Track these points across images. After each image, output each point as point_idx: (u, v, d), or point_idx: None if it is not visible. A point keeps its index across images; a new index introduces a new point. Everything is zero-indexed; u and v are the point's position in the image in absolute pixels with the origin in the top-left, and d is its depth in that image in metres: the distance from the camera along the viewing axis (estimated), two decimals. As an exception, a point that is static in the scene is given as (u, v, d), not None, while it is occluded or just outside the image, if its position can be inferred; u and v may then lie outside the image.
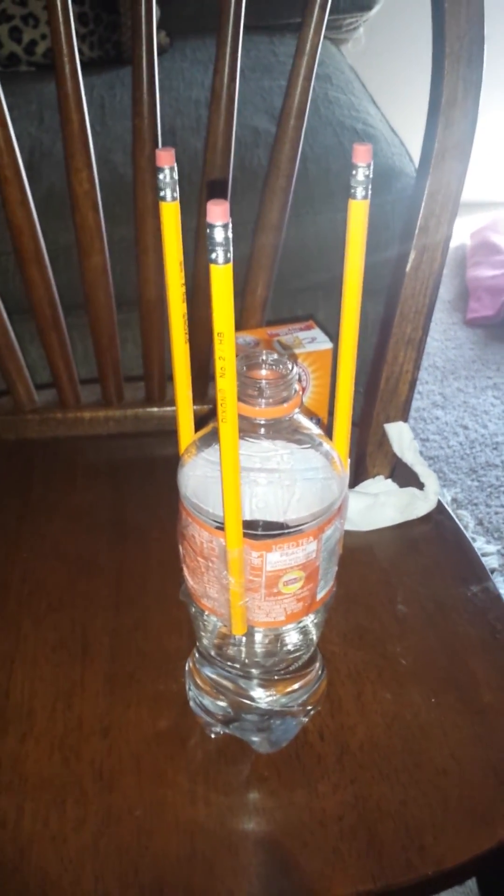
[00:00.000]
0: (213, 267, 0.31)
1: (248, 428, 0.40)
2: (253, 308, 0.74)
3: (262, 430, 0.41)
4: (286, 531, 0.41)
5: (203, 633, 0.49)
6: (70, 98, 0.63)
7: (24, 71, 1.59)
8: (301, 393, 0.40)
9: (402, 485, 0.70)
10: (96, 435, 0.79)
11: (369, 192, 0.36)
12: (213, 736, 0.52)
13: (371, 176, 0.36)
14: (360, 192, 0.36)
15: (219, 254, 0.31)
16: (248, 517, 0.40)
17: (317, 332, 0.70)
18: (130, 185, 0.68)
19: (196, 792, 0.49)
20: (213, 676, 0.51)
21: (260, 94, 1.41)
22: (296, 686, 0.51)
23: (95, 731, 0.53)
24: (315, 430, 0.43)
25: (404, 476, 0.70)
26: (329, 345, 0.69)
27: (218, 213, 0.30)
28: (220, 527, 0.41)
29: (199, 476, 0.43)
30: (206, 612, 0.46)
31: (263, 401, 0.39)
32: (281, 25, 1.73)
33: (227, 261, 0.31)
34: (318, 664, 0.53)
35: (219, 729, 0.52)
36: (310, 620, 0.48)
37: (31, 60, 1.57)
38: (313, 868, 0.46)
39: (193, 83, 1.47)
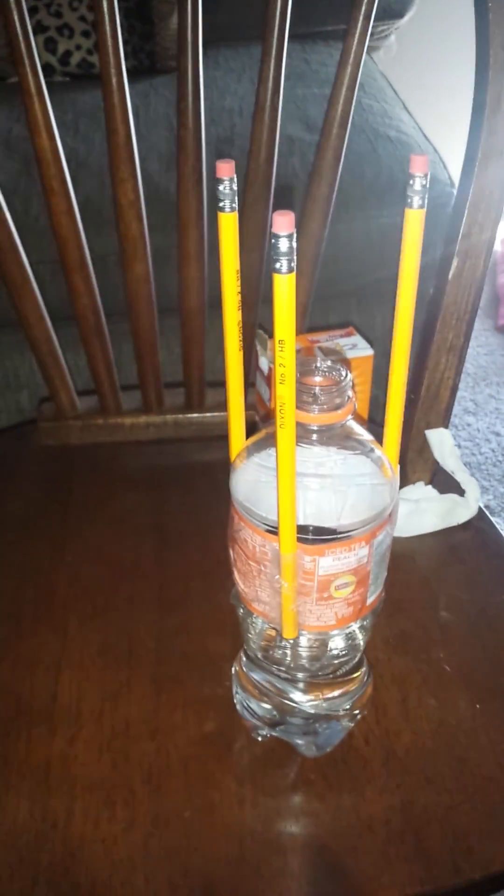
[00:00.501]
0: (276, 276, 0.32)
1: (301, 434, 0.41)
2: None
3: (315, 436, 0.41)
4: (339, 536, 0.41)
5: (251, 636, 0.50)
6: (116, 109, 0.64)
7: (59, 81, 1.61)
8: (354, 399, 0.40)
9: (442, 491, 0.70)
10: (137, 441, 0.80)
11: (426, 201, 0.37)
12: (259, 739, 0.52)
13: (427, 185, 0.37)
14: (416, 201, 0.37)
15: (283, 263, 0.31)
16: (301, 522, 0.41)
17: (357, 339, 0.71)
18: (166, 194, 0.69)
19: (244, 794, 0.50)
20: (260, 680, 0.51)
21: (294, 102, 1.42)
22: (341, 690, 0.52)
23: (143, 734, 0.53)
24: (367, 435, 0.43)
25: (445, 482, 0.71)
26: (370, 351, 0.70)
27: (284, 224, 0.30)
28: (273, 531, 0.41)
29: (251, 481, 0.44)
30: (255, 616, 0.46)
31: (317, 407, 0.40)
32: (312, 33, 1.74)
33: (290, 270, 0.32)
34: (364, 669, 0.53)
35: (265, 732, 0.52)
36: (357, 625, 0.48)
37: (65, 71, 1.59)
38: (361, 871, 0.47)
39: (226, 92, 1.49)
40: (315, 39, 1.74)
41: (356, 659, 0.52)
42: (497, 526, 0.69)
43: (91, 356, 0.75)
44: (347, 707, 0.52)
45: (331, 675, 0.50)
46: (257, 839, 0.48)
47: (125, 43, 1.54)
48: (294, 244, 0.31)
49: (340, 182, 1.24)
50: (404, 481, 0.71)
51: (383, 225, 1.22)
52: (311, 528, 0.42)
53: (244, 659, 0.53)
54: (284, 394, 0.35)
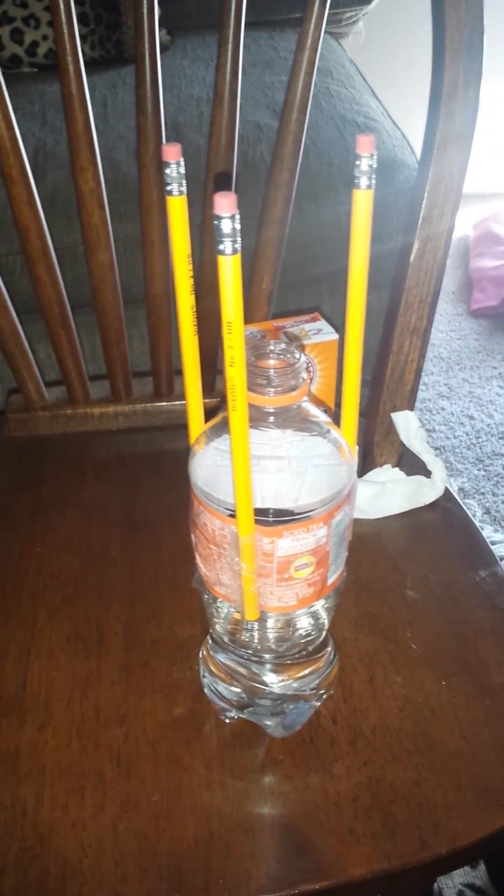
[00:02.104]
0: (220, 258, 0.32)
1: (257, 417, 0.41)
2: (259, 301, 0.75)
3: (272, 419, 0.42)
4: (297, 517, 0.41)
5: (216, 620, 0.50)
6: (74, 98, 0.64)
7: (27, 72, 1.59)
8: (309, 381, 0.41)
9: (409, 473, 0.70)
10: (106, 430, 0.80)
11: (373, 181, 0.37)
12: (227, 721, 0.53)
13: (375, 166, 0.37)
14: (363, 181, 0.37)
15: (226, 245, 0.32)
16: (258, 504, 0.41)
17: (322, 324, 0.71)
18: (134, 182, 0.69)
19: (212, 776, 0.50)
20: (227, 662, 0.52)
21: (261, 90, 1.42)
22: (308, 670, 0.52)
23: (112, 720, 0.54)
24: (323, 417, 0.44)
25: (411, 464, 0.71)
26: (334, 336, 0.70)
27: (225, 205, 0.30)
28: (232, 514, 0.41)
29: (209, 465, 0.44)
30: (219, 599, 0.47)
31: (272, 389, 0.40)
32: (281, 21, 1.74)
33: (234, 251, 0.32)
34: (329, 648, 0.54)
35: (233, 714, 0.52)
36: (321, 605, 0.49)
37: (32, 62, 1.58)
38: (329, 848, 0.47)
39: (195, 80, 1.48)
40: (284, 27, 1.74)
41: (321, 638, 0.52)
42: (463, 506, 0.70)
43: (57, 346, 0.75)
44: (314, 687, 0.53)
45: (297, 656, 0.51)
46: (226, 820, 0.48)
47: (92, 33, 1.53)
48: (237, 226, 0.31)
49: (309, 169, 1.24)
50: (371, 464, 0.72)
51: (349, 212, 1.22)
52: (270, 510, 0.43)
53: (210, 642, 0.53)
54: (234, 376, 0.36)
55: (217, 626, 0.51)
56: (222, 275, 0.33)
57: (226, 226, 0.31)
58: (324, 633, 0.52)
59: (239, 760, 0.51)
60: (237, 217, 0.31)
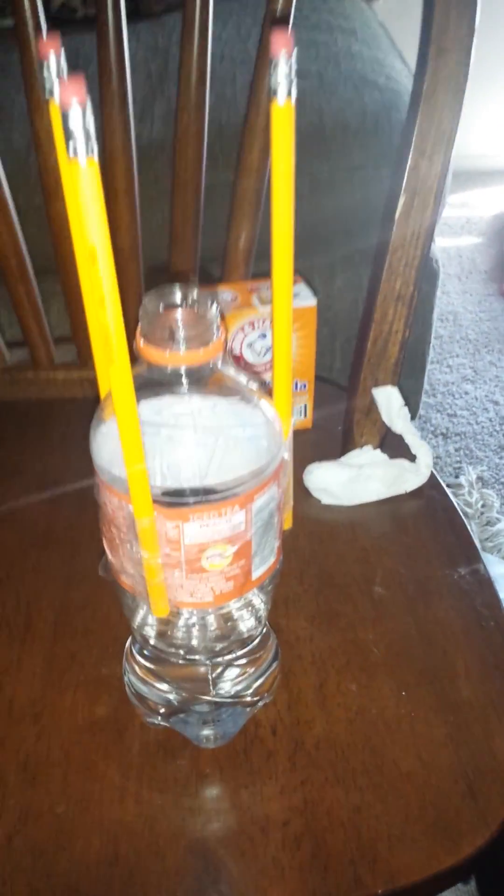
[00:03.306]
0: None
1: (164, 378, 0.35)
2: (236, 261, 0.68)
3: (184, 382, 0.35)
4: (206, 499, 0.35)
5: (132, 614, 0.44)
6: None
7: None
8: (224, 336, 0.34)
9: (393, 456, 0.63)
10: (71, 398, 0.74)
11: (294, 91, 0.30)
12: (151, 727, 0.47)
13: (294, 70, 0.30)
14: (282, 91, 0.30)
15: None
16: (159, 483, 0.35)
17: (301, 288, 0.64)
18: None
19: (127, 788, 0.44)
20: (150, 662, 0.46)
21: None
22: (247, 672, 0.46)
23: (26, 716, 0.48)
24: (247, 382, 0.37)
25: (397, 447, 0.64)
26: (313, 301, 0.63)
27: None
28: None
29: (112, 434, 0.37)
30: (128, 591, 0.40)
31: (178, 346, 0.33)
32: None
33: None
34: (270, 644, 0.47)
35: (157, 721, 0.46)
36: (256, 599, 0.43)
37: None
38: (248, 880, 0.41)
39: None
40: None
41: (259, 634, 0.46)
42: (450, 495, 0.63)
43: (17, 303, 0.69)
44: (254, 691, 0.46)
45: (227, 654, 0.45)
46: (135, 840, 0.42)
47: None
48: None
49: (323, 129, 1.16)
50: (351, 445, 0.65)
51: (367, 176, 1.15)
52: (187, 490, 0.36)
53: (132, 638, 0.47)
54: (107, 320, 0.29)
55: (138, 622, 0.45)
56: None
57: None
58: (262, 628, 0.46)
59: (160, 772, 0.45)
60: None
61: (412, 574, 0.57)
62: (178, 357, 0.34)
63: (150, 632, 0.44)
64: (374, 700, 0.49)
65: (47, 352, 0.73)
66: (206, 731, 0.46)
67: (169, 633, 0.44)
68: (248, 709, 0.47)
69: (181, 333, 0.33)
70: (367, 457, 0.64)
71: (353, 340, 0.67)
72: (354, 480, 0.62)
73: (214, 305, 0.34)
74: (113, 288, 0.28)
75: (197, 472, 0.35)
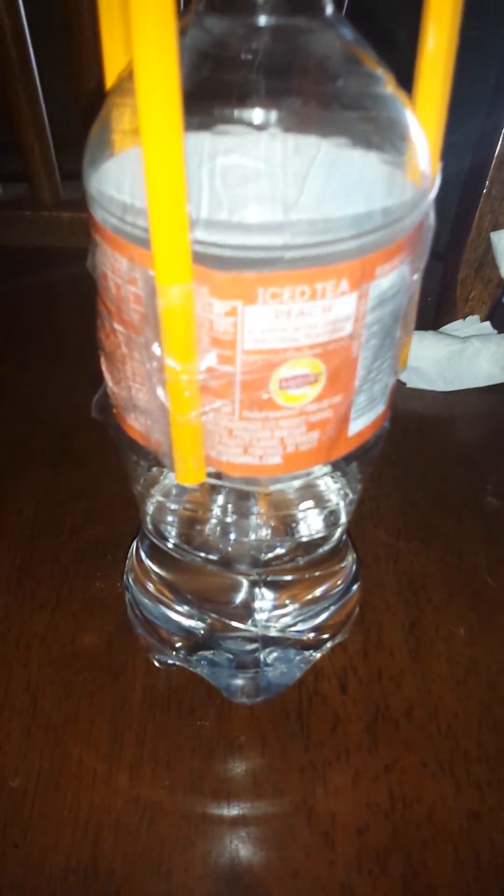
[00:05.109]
0: None
1: (227, 28, 0.18)
2: None
3: (262, 36, 0.18)
4: (291, 257, 0.19)
5: (143, 490, 0.28)
6: None
7: None
8: None
9: (505, 330, 0.47)
10: (78, 247, 0.58)
11: None
12: (159, 666, 0.31)
13: None
14: None
15: None
16: (206, 216, 0.18)
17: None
18: None
19: (118, 759, 0.29)
20: (164, 571, 0.30)
21: None
22: (308, 596, 0.30)
23: (-19, 642, 0.33)
24: (376, 60, 0.20)
25: (510, 318, 0.47)
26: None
27: None
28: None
29: (129, 157, 0.21)
30: (139, 443, 0.24)
31: None
32: None
33: None
34: (348, 563, 0.31)
35: (171, 660, 0.31)
36: (331, 481, 0.27)
37: None
38: (303, 921, 0.26)
39: None
40: None
41: (334, 544, 0.30)
42: None
43: (13, 107, 0.52)
44: (317, 626, 0.31)
45: (286, 569, 0.29)
46: (126, 841, 0.27)
47: None
48: None
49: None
50: (451, 315, 0.48)
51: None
52: (235, 229, 0.20)
53: (142, 534, 0.31)
54: None
55: (149, 503, 0.29)
56: None
57: None
58: (338, 535, 0.30)
59: (170, 736, 0.30)
60: None
61: (538, 483, 0.40)
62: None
63: (169, 519, 0.29)
64: (492, 652, 0.33)
65: (52, 185, 0.56)
66: (241, 680, 0.30)
67: (196, 523, 0.28)
68: (306, 652, 0.31)
69: None
70: (472, 328, 0.47)
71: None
72: (456, 358, 0.45)
73: None
74: None
75: (277, 202, 0.19)
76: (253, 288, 0.19)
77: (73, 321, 0.51)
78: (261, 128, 0.19)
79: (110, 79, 0.22)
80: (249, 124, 0.19)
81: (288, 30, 0.19)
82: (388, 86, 0.20)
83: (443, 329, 0.47)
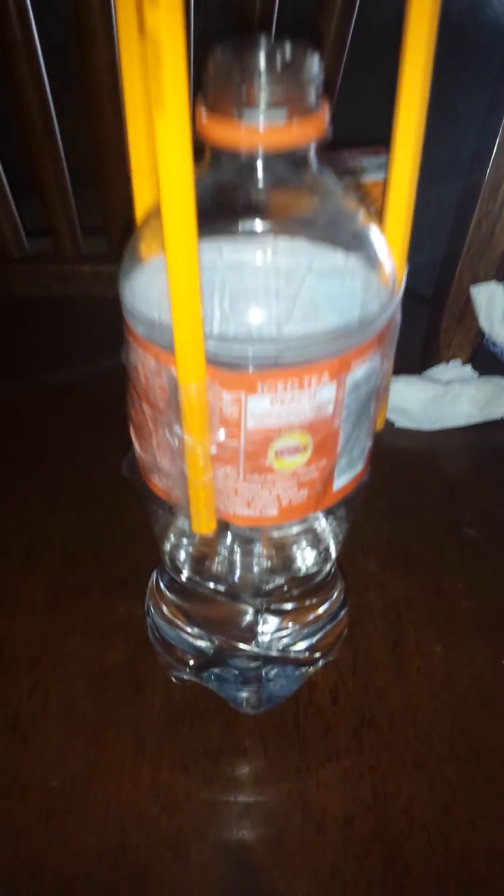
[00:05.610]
0: None
1: (232, 178, 0.23)
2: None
3: (260, 184, 0.23)
4: (284, 360, 0.24)
5: (163, 533, 0.33)
6: None
7: None
8: (326, 107, 0.23)
9: (484, 373, 0.52)
10: (99, 297, 0.63)
11: None
12: (175, 681, 0.36)
13: None
14: None
15: None
16: (218, 330, 0.24)
17: (386, 159, 0.52)
18: None
19: (142, 762, 0.34)
20: (180, 600, 0.35)
21: None
22: (304, 620, 0.35)
23: (21, 662, 0.38)
24: (350, 196, 0.26)
25: (488, 362, 0.52)
26: (401, 176, 0.51)
27: None
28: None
29: (158, 273, 0.26)
30: (161, 497, 0.29)
31: (258, 116, 0.22)
32: None
33: None
34: (337, 592, 0.36)
35: (185, 676, 0.36)
36: (323, 522, 0.32)
37: None
38: (297, 894, 0.31)
39: None
40: None
41: (326, 575, 0.35)
42: None
43: (40, 176, 0.58)
44: (311, 646, 0.35)
45: (284, 597, 0.34)
46: (150, 830, 0.32)
47: None
48: None
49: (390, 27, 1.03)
50: (436, 359, 0.53)
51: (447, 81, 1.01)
52: (249, 351, 0.25)
53: (160, 567, 0.36)
54: (163, 27, 0.18)
55: (170, 546, 0.34)
56: None
57: None
58: (329, 567, 0.35)
59: (185, 741, 0.35)
60: None
61: (510, 515, 0.45)
62: (256, 133, 0.22)
63: (184, 556, 0.34)
64: (465, 667, 0.38)
65: (73, 241, 0.62)
66: (246, 693, 0.35)
67: (207, 560, 0.33)
68: (302, 668, 0.36)
69: (264, 97, 0.22)
70: (454, 373, 0.52)
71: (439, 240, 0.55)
72: (439, 400, 0.50)
73: (315, 62, 0.22)
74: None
75: (272, 319, 0.24)
76: (254, 382, 0.24)
77: (94, 368, 0.56)
78: (257, 239, 0.24)
79: (140, 211, 0.27)
80: (249, 235, 0.24)
81: (281, 179, 0.24)
82: (362, 215, 0.25)
83: (428, 372, 0.52)
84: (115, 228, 0.61)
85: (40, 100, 0.55)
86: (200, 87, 0.23)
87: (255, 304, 0.24)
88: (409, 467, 0.49)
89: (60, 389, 0.55)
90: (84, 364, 0.57)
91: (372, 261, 0.25)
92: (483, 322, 0.50)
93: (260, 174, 0.23)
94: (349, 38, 0.54)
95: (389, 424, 0.51)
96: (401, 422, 0.51)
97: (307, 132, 0.22)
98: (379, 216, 0.27)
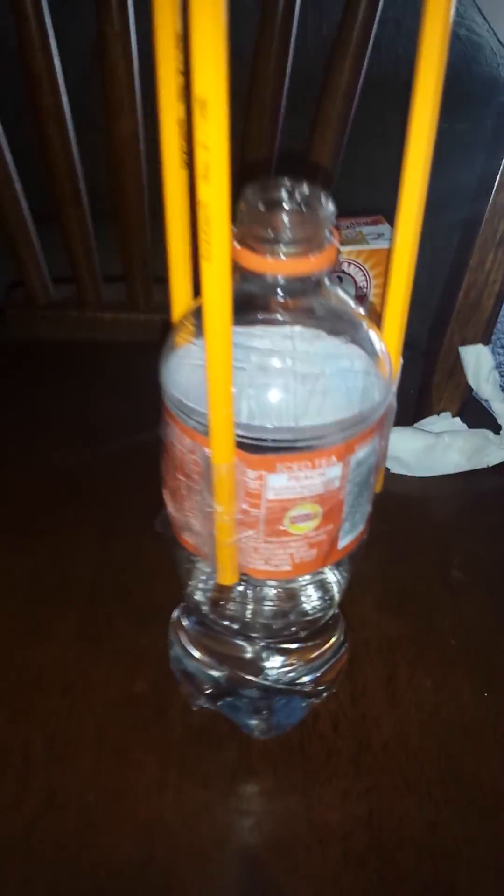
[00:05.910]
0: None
1: (258, 295, 0.28)
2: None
3: (280, 299, 0.28)
4: (298, 445, 0.28)
5: (190, 580, 0.38)
6: None
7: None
8: (337, 242, 0.27)
9: (472, 425, 0.57)
10: (118, 341, 0.68)
11: None
12: (195, 708, 0.41)
13: None
14: None
15: None
16: (245, 420, 0.28)
17: (385, 229, 0.57)
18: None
19: (166, 779, 0.38)
20: (203, 636, 0.40)
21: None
22: (309, 657, 0.40)
23: (55, 687, 0.42)
24: (354, 308, 0.30)
25: (477, 415, 0.57)
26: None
27: None
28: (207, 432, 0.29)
29: (191, 364, 0.31)
30: (190, 552, 0.34)
31: (281, 248, 0.27)
32: None
33: None
34: (339, 632, 0.41)
35: (204, 704, 0.40)
36: (330, 574, 0.36)
37: None
38: (303, 899, 0.35)
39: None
40: None
41: (329, 618, 0.39)
42: (537, 473, 0.56)
43: (66, 231, 0.63)
44: (315, 679, 0.40)
45: (291, 637, 0.38)
46: (174, 840, 0.36)
47: None
48: None
49: (398, 79, 1.08)
50: (428, 410, 0.58)
51: (441, 129, 1.06)
52: (268, 436, 0.30)
53: (184, 606, 0.41)
54: (212, 199, 0.22)
55: (192, 588, 0.38)
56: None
57: None
58: (332, 611, 0.39)
59: (205, 763, 0.39)
60: None
61: (495, 558, 0.50)
62: (280, 263, 0.27)
63: (204, 598, 0.38)
64: (452, 699, 0.42)
65: (95, 289, 0.67)
66: (257, 721, 0.40)
67: (223, 602, 0.37)
68: (306, 700, 0.41)
69: (287, 234, 0.26)
70: (444, 424, 0.57)
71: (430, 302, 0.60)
72: (430, 449, 0.55)
73: (329, 204, 0.27)
74: (222, 150, 0.21)
75: (290, 412, 0.29)
76: (273, 463, 0.29)
77: (116, 410, 0.61)
78: (279, 343, 0.29)
79: (177, 312, 0.32)
80: (271, 338, 0.29)
81: (299, 294, 0.29)
82: (364, 321, 0.30)
83: (420, 423, 0.57)
84: (133, 280, 0.65)
85: (69, 165, 0.60)
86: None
87: (277, 400, 0.29)
88: (402, 511, 0.53)
89: (87, 436, 0.59)
90: (107, 410, 0.62)
91: (373, 359, 0.30)
92: (471, 380, 0.55)
93: (280, 291, 0.28)
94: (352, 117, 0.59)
95: (385, 470, 0.56)
96: (395, 468, 0.55)
97: (321, 263, 0.27)
98: (378, 306, 0.32)
